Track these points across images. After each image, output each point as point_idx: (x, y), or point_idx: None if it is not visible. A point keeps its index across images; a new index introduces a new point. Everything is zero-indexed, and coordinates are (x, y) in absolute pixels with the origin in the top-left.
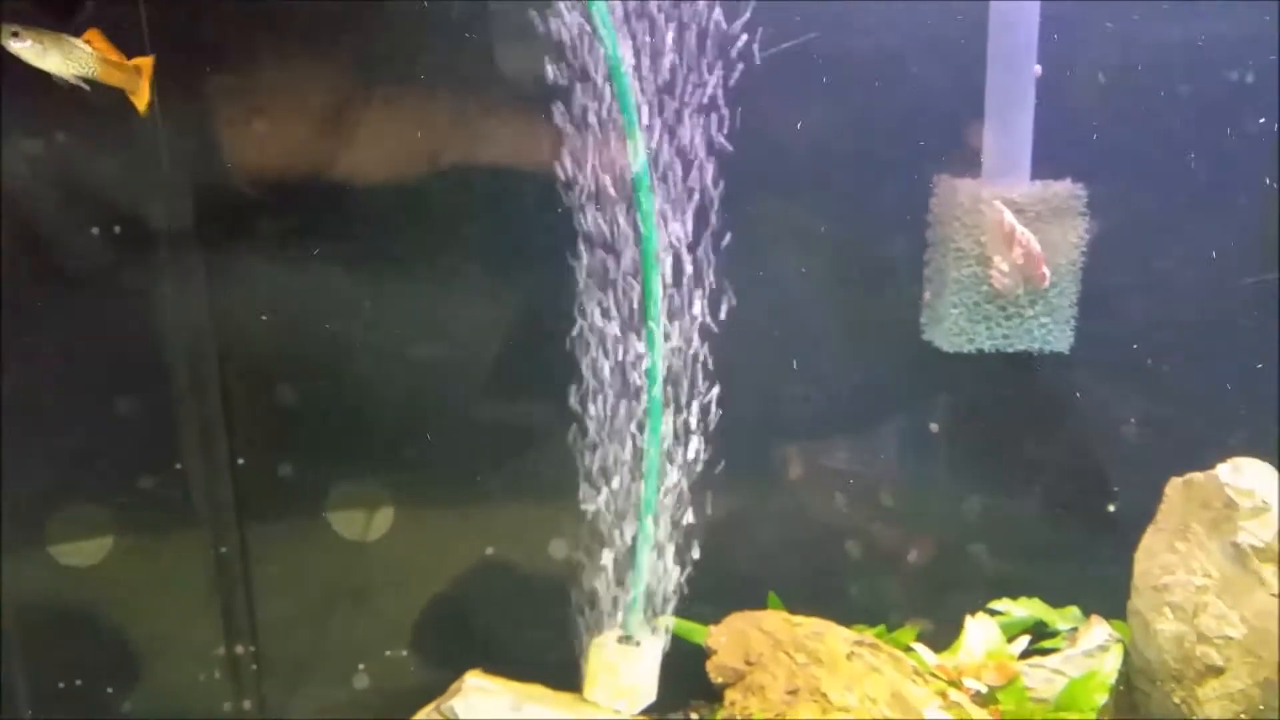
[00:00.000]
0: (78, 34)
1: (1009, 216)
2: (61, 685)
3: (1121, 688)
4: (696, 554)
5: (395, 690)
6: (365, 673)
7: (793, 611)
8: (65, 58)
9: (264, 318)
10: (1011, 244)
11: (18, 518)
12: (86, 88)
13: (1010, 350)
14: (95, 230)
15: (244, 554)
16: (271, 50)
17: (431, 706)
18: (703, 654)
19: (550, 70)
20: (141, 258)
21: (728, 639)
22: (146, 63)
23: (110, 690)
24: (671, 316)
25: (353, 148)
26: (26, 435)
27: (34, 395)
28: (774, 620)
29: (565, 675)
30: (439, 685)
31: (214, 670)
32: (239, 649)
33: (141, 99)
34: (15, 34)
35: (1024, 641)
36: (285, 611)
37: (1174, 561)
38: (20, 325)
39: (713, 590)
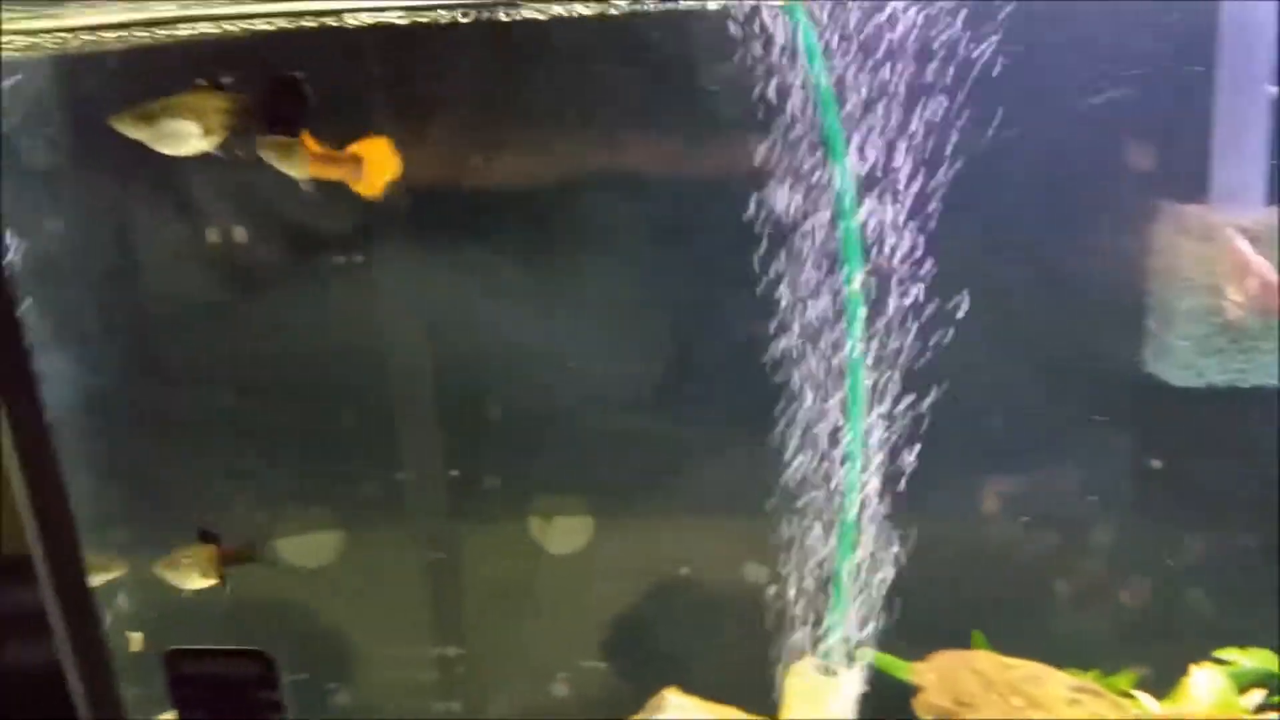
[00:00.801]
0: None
1: (1242, 244)
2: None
3: None
4: (897, 585)
5: (591, 701)
6: (564, 681)
7: (996, 651)
8: (286, 161)
9: (476, 337)
10: (1245, 273)
11: (246, 519)
12: (311, 188)
13: (1243, 385)
14: (326, 252)
15: (455, 561)
16: (469, 70)
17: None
18: (899, 689)
19: (745, 83)
20: (366, 277)
21: (936, 677)
22: (372, 146)
23: (331, 685)
24: (874, 340)
25: (555, 165)
26: (258, 442)
27: (266, 403)
28: (986, 660)
29: (755, 699)
30: (633, 699)
31: (425, 671)
32: (448, 651)
33: (368, 186)
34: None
35: (1257, 696)
36: (491, 617)
37: None
38: (252, 339)
39: (911, 624)
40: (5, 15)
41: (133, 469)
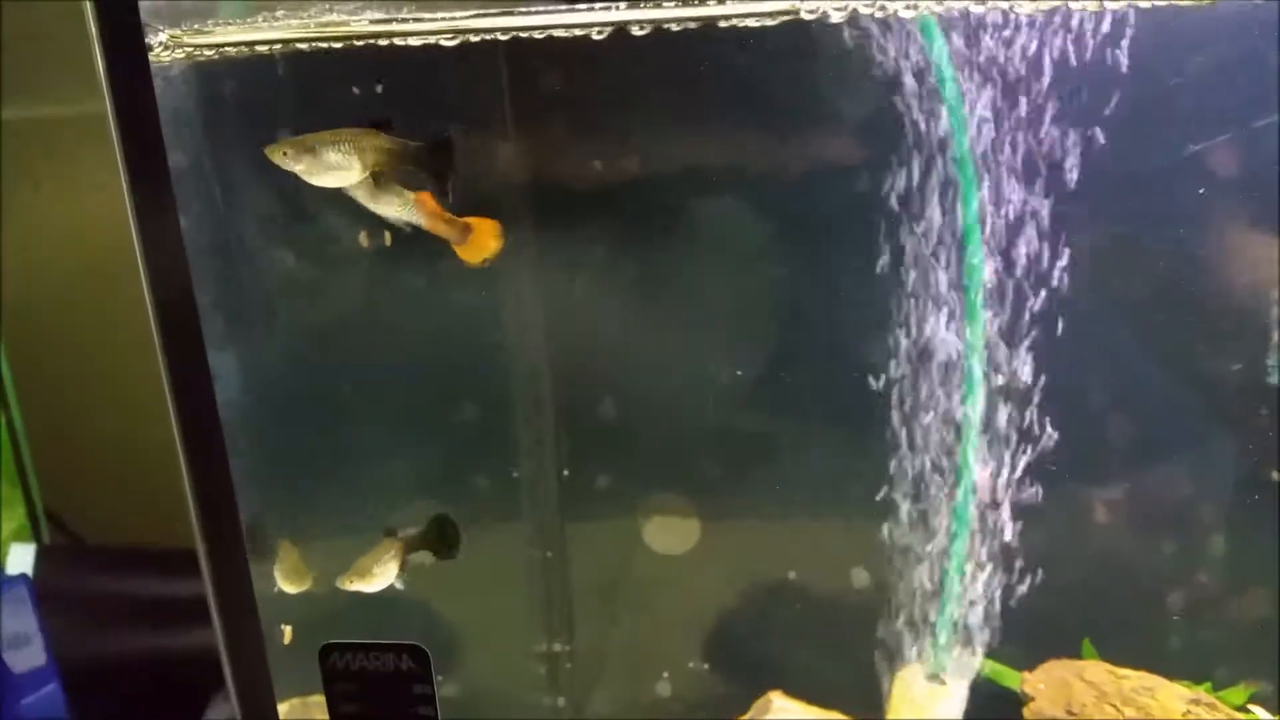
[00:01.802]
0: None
1: None
2: None
3: None
4: (1008, 593)
5: (695, 701)
6: (669, 680)
7: (1106, 661)
8: (395, 206)
9: (592, 338)
10: None
11: (364, 513)
12: (409, 230)
13: None
14: (448, 253)
15: (564, 559)
16: (591, 70)
17: None
18: (1006, 697)
19: (871, 96)
20: (490, 277)
21: (1047, 687)
22: (483, 223)
23: (439, 676)
24: (991, 341)
25: (675, 171)
26: (384, 440)
27: (388, 398)
28: (1097, 671)
29: (861, 705)
30: (736, 701)
31: (533, 665)
32: (556, 647)
33: (469, 255)
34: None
35: None
36: (599, 616)
37: None
38: (377, 336)
39: (1019, 632)
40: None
41: (258, 462)
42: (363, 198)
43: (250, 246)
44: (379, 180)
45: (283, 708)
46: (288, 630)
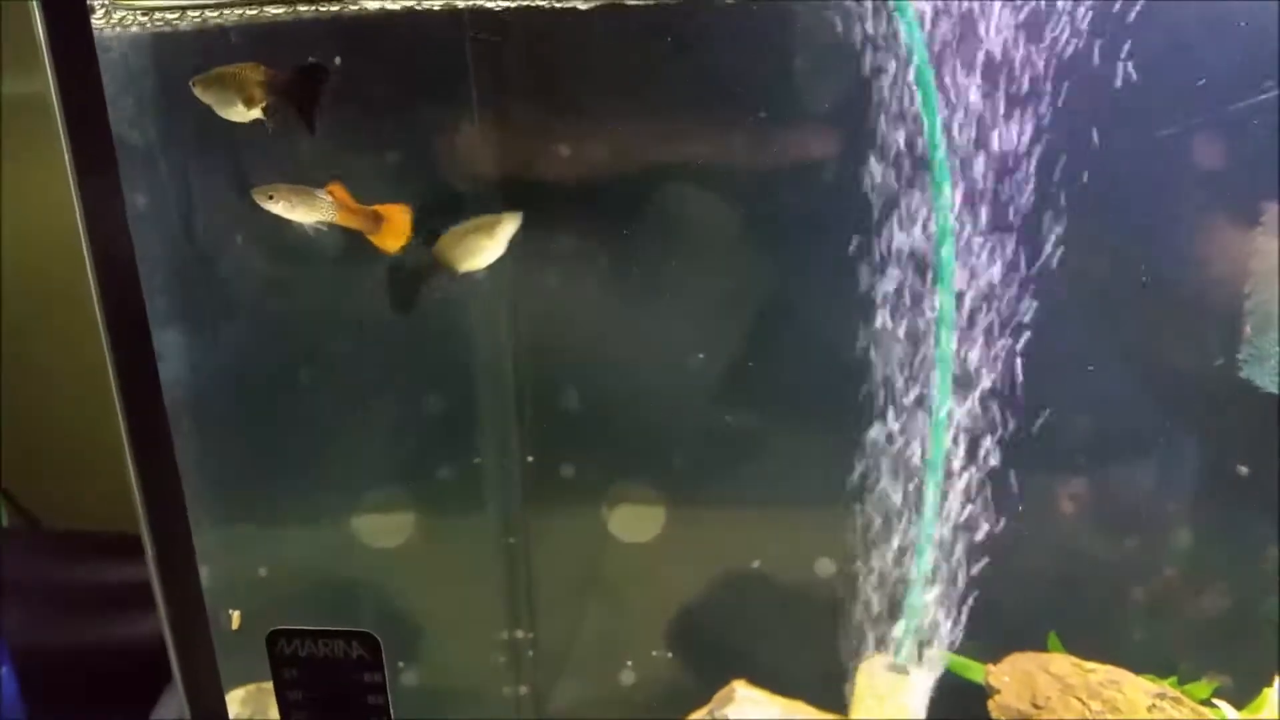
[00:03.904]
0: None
1: None
2: None
3: None
4: (974, 585)
5: (659, 690)
6: (632, 669)
7: (1072, 654)
8: (309, 209)
9: (558, 325)
10: None
11: (327, 500)
12: (325, 229)
13: None
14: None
15: (528, 546)
16: (559, 58)
17: (704, 711)
18: (970, 691)
19: (845, 77)
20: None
21: (1012, 679)
22: (395, 210)
23: (400, 663)
24: (962, 338)
25: (644, 156)
26: (344, 424)
27: (348, 383)
28: (1063, 663)
29: (825, 695)
30: (700, 690)
31: (495, 654)
32: (518, 635)
33: (383, 243)
34: (270, 196)
35: None
36: (562, 603)
37: None
38: (337, 321)
39: (984, 625)
40: None
41: (216, 448)
42: (281, 211)
43: (210, 234)
44: (268, 113)
45: (239, 693)
46: (236, 615)
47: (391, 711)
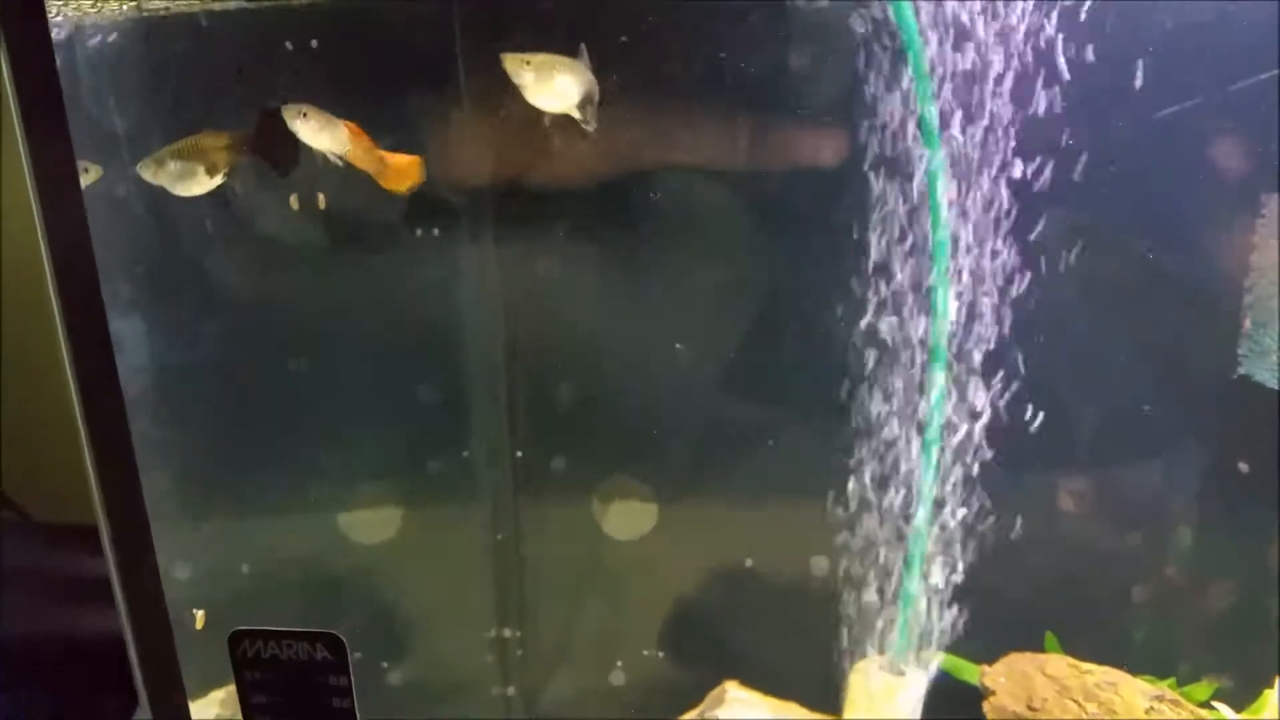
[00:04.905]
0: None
1: None
2: None
3: None
4: (970, 584)
5: (650, 690)
6: (622, 669)
7: (1070, 655)
8: (331, 137)
9: (549, 318)
10: None
11: (312, 492)
12: (340, 164)
13: None
14: (405, 227)
15: (518, 542)
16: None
17: (696, 712)
18: (965, 692)
19: (842, 75)
20: (444, 254)
21: (1007, 680)
22: (403, 160)
23: (385, 663)
24: (958, 333)
25: (641, 150)
26: (332, 419)
27: (337, 376)
28: (1059, 665)
29: (818, 696)
30: (693, 690)
31: (483, 652)
32: (507, 634)
33: (390, 184)
34: (304, 114)
35: None
36: (552, 601)
37: None
38: (327, 312)
39: (981, 624)
40: None
41: (202, 441)
42: (307, 132)
43: (198, 225)
44: (231, 176)
45: (219, 694)
46: (200, 615)
47: (357, 715)
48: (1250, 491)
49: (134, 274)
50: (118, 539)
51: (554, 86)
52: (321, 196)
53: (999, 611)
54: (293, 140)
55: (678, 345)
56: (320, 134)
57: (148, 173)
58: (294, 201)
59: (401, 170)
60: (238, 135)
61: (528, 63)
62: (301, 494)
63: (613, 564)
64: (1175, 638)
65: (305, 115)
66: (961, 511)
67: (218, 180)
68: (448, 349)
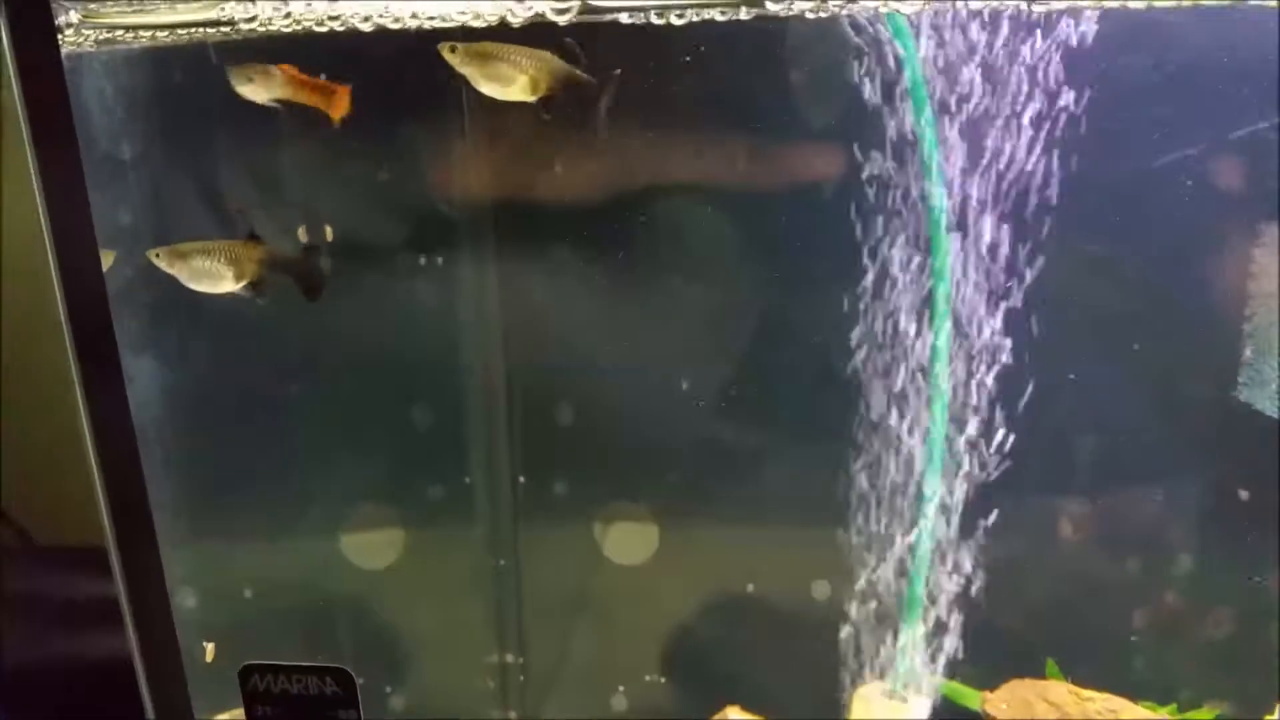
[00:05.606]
0: None
1: None
2: None
3: None
4: (972, 610)
5: (651, 715)
6: (624, 694)
7: (1072, 681)
8: (268, 85)
9: (549, 343)
10: None
11: (315, 520)
12: (280, 108)
13: None
14: (406, 253)
15: (518, 567)
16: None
17: None
18: (969, 718)
19: (841, 92)
20: (445, 280)
21: (1009, 707)
22: (339, 86)
23: (388, 689)
24: (959, 358)
25: (636, 172)
26: (332, 443)
27: (338, 401)
28: (1060, 691)
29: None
30: (694, 715)
31: (484, 677)
32: (508, 659)
33: (338, 110)
34: (250, 79)
35: None
36: (553, 626)
37: None
38: (328, 337)
39: (983, 650)
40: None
41: (200, 466)
42: (252, 91)
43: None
44: (257, 287)
45: (224, 718)
46: (210, 648)
47: None
48: (1251, 519)
49: (136, 299)
50: (126, 562)
51: (498, 72)
52: (329, 229)
53: (1001, 637)
54: (318, 282)
55: (693, 374)
56: (261, 87)
57: (162, 262)
58: (302, 234)
59: (344, 95)
60: (276, 253)
61: (453, 50)
62: (303, 519)
63: (614, 588)
64: (1176, 664)
65: (251, 80)
66: (964, 537)
67: (240, 285)
68: (449, 374)
